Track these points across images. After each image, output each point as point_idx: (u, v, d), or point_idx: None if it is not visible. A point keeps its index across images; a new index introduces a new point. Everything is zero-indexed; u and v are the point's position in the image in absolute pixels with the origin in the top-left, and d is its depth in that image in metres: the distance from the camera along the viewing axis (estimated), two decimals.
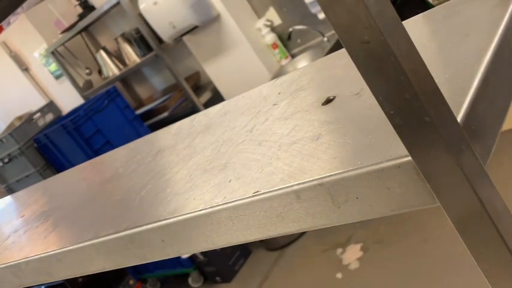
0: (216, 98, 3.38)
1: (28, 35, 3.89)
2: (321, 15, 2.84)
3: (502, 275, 0.38)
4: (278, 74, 3.06)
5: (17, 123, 3.55)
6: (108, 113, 3.17)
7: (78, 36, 3.76)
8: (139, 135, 3.11)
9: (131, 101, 4.06)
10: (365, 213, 0.42)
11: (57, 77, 4.11)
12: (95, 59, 3.81)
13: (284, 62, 3.15)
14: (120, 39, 3.59)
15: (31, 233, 0.84)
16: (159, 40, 3.22)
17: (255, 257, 3.20)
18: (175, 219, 0.55)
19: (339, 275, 2.51)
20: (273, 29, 3.16)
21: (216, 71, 3.31)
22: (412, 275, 2.24)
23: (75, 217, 0.79)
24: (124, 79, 4.07)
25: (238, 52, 3.13)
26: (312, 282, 2.65)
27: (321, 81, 0.66)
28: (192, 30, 3.05)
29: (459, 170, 0.35)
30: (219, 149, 0.64)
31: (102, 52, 3.70)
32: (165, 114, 3.52)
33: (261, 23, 3.12)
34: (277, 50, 3.14)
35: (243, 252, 3.20)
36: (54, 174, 3.05)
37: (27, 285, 0.82)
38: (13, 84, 4.35)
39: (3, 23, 3.94)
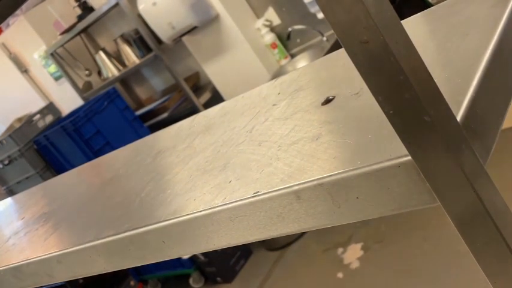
0: (216, 98, 3.38)
1: (27, 37, 3.89)
2: (320, 15, 2.84)
3: (503, 274, 0.38)
4: (277, 74, 3.06)
5: (17, 125, 3.55)
6: (108, 114, 3.17)
7: (78, 37, 3.76)
8: (139, 136, 3.11)
9: (131, 101, 4.06)
10: (365, 213, 0.42)
11: (57, 79, 4.11)
12: (94, 60, 3.81)
13: (283, 61, 3.15)
14: (119, 40, 3.59)
15: (31, 235, 0.84)
16: (158, 41, 3.22)
17: (255, 257, 3.20)
18: (175, 220, 0.55)
19: (340, 275, 2.51)
20: (272, 28, 3.16)
21: (215, 72, 3.31)
22: (413, 274, 2.24)
23: (76, 219, 0.79)
24: (123, 80, 4.07)
25: (238, 52, 3.13)
26: (313, 282, 2.65)
27: (320, 81, 0.66)
28: (191, 30, 3.05)
29: (459, 169, 0.35)
30: (219, 149, 0.64)
31: (101, 53, 3.70)
32: (165, 115, 3.51)
33: (260, 23, 3.12)
34: (276, 50, 3.14)
35: (243, 252, 3.20)
36: (54, 175, 3.04)
37: (28, 287, 0.81)
38: (12, 86, 4.35)
39: (2, 25, 3.94)
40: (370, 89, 0.35)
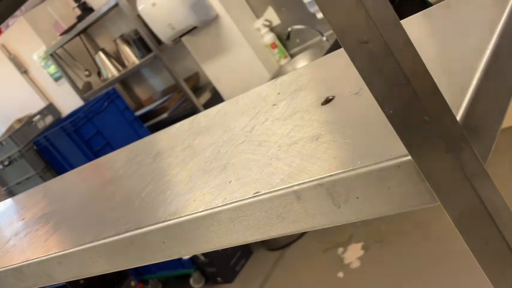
0: (216, 98, 3.38)
1: (27, 38, 3.89)
2: (320, 15, 2.84)
3: (503, 273, 0.38)
4: (277, 73, 3.06)
5: (17, 126, 3.55)
6: (108, 115, 3.17)
7: (77, 38, 3.76)
8: (139, 136, 3.11)
9: (131, 102, 4.06)
10: (365, 213, 0.42)
11: (57, 79, 4.11)
12: (94, 61, 3.81)
13: (283, 61, 3.15)
14: (119, 41, 3.59)
15: (32, 236, 0.83)
16: (158, 41, 3.21)
17: (256, 257, 3.20)
18: (175, 220, 0.55)
19: (340, 274, 2.51)
20: (271, 28, 3.16)
21: (215, 72, 3.31)
22: (413, 273, 2.24)
23: (76, 219, 0.79)
24: (123, 80, 4.06)
25: (238, 52, 3.13)
26: (314, 281, 2.65)
27: (320, 81, 0.67)
28: (190, 31, 3.05)
29: (459, 169, 0.35)
30: (218, 149, 0.64)
31: (101, 54, 3.70)
32: (165, 115, 3.51)
33: (259, 23, 3.12)
34: (276, 50, 3.14)
35: (244, 252, 3.20)
36: (54, 176, 3.05)
37: None
38: (12, 87, 4.35)
39: (2, 26, 3.94)
40: (369, 89, 0.35)
